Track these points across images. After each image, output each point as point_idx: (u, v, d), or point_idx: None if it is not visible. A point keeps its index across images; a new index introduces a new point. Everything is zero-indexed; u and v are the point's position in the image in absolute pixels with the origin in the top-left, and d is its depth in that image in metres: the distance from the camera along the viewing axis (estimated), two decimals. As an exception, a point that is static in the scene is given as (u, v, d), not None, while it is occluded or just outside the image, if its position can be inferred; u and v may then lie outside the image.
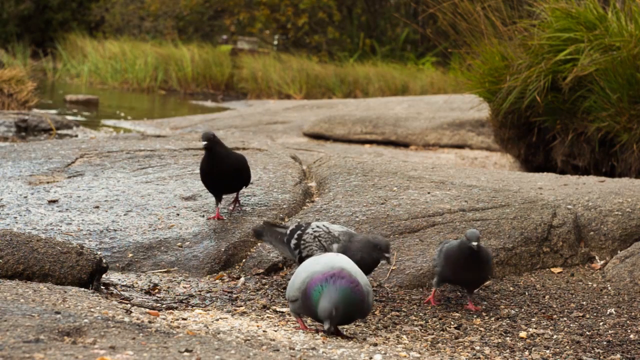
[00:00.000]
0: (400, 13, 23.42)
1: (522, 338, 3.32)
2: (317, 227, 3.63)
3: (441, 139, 9.67)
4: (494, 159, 8.83)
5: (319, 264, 3.11)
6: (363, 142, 9.92)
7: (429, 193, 4.56)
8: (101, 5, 26.18)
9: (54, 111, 10.26)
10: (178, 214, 4.34)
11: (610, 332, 3.41)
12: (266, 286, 3.80)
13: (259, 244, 4.11)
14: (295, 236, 3.65)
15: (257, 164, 5.17)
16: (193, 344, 2.55)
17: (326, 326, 3.00)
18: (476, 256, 3.54)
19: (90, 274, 3.56)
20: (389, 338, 3.22)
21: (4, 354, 2.23)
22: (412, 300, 3.72)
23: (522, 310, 3.67)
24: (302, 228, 3.66)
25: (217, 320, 3.26)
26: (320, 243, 3.58)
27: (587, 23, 6.88)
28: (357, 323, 3.38)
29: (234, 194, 4.45)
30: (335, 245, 3.55)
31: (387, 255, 3.45)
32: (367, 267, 3.45)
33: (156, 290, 3.66)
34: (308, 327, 3.18)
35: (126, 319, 2.87)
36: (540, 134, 7.42)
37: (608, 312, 3.63)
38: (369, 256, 3.46)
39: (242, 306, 3.52)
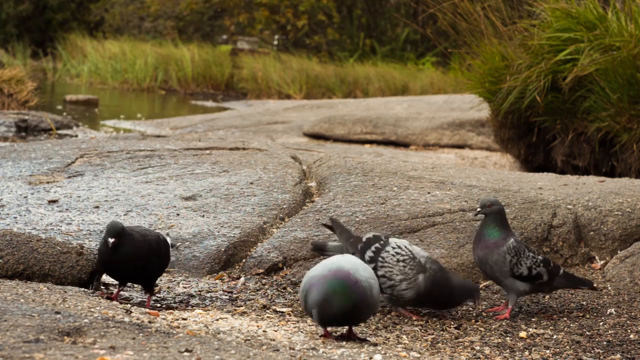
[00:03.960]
0: (400, 13, 23.42)
1: (522, 338, 3.32)
2: (398, 246, 3.45)
3: (441, 139, 9.67)
4: (494, 159, 8.83)
5: (317, 268, 3.07)
6: (363, 142, 9.92)
7: (429, 193, 4.56)
8: (100, 6, 26.19)
9: (57, 116, 10.26)
10: (178, 214, 4.34)
11: (610, 332, 3.41)
12: (266, 286, 3.80)
13: (258, 244, 4.11)
14: (373, 249, 3.45)
15: (257, 164, 5.17)
16: (193, 344, 2.55)
17: (315, 320, 2.97)
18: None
19: (90, 274, 3.56)
20: (389, 338, 3.22)
21: (4, 354, 2.23)
22: (412, 300, 3.72)
23: (522, 310, 3.67)
24: (382, 242, 3.46)
25: (217, 320, 3.26)
26: (404, 270, 3.41)
27: (587, 23, 6.88)
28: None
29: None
30: (421, 276, 3.41)
31: (476, 300, 3.50)
32: (442, 302, 3.49)
33: (156, 290, 3.66)
34: (332, 336, 3.15)
35: (126, 319, 2.87)
36: (540, 134, 7.42)
37: (608, 312, 3.63)
38: (459, 297, 3.47)
39: (242, 306, 3.52)
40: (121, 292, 3.57)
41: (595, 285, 3.76)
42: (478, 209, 3.53)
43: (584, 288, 3.63)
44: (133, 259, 3.33)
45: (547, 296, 3.83)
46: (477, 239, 3.57)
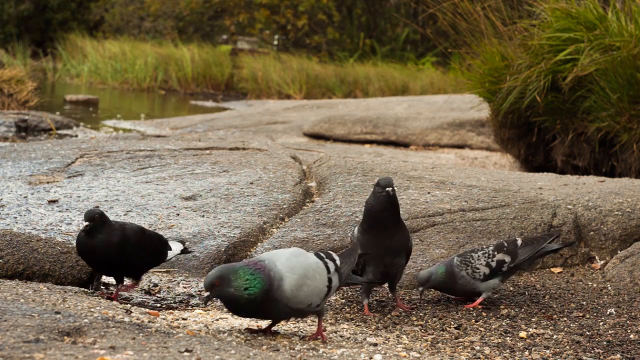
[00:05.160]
0: (400, 13, 23.44)
1: (522, 338, 3.32)
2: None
3: (441, 139, 9.67)
4: (494, 159, 8.83)
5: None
6: (363, 142, 9.92)
7: (429, 193, 4.56)
8: (100, 6, 26.20)
9: (57, 116, 10.26)
10: (178, 214, 4.34)
11: (610, 332, 3.41)
12: (266, 286, 3.80)
13: (258, 244, 4.11)
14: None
15: (257, 164, 5.17)
16: (193, 344, 2.55)
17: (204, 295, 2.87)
18: None
19: (90, 274, 3.56)
20: (389, 338, 3.22)
21: (4, 354, 2.23)
22: (411, 300, 3.72)
23: (522, 310, 3.67)
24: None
25: (217, 320, 3.26)
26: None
27: (587, 23, 6.89)
28: (357, 323, 3.38)
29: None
30: (355, 228, 3.56)
31: (387, 189, 3.42)
32: (376, 210, 3.43)
33: (156, 290, 3.66)
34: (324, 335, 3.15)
35: (126, 319, 2.87)
36: (540, 134, 7.42)
37: (608, 312, 3.63)
38: (375, 198, 3.44)
39: (242, 306, 3.52)
40: (121, 293, 3.57)
41: (566, 240, 3.83)
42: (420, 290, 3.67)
43: (558, 247, 3.76)
44: (104, 246, 3.25)
45: (547, 296, 3.83)
46: (444, 290, 3.70)
